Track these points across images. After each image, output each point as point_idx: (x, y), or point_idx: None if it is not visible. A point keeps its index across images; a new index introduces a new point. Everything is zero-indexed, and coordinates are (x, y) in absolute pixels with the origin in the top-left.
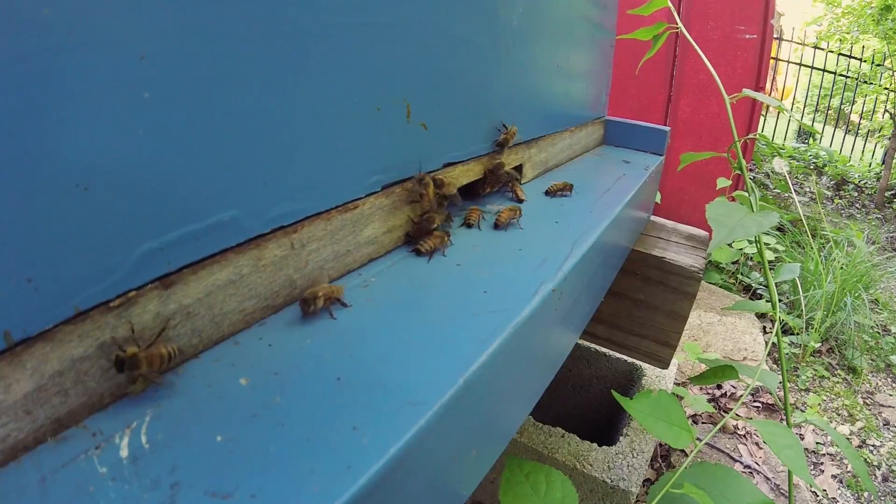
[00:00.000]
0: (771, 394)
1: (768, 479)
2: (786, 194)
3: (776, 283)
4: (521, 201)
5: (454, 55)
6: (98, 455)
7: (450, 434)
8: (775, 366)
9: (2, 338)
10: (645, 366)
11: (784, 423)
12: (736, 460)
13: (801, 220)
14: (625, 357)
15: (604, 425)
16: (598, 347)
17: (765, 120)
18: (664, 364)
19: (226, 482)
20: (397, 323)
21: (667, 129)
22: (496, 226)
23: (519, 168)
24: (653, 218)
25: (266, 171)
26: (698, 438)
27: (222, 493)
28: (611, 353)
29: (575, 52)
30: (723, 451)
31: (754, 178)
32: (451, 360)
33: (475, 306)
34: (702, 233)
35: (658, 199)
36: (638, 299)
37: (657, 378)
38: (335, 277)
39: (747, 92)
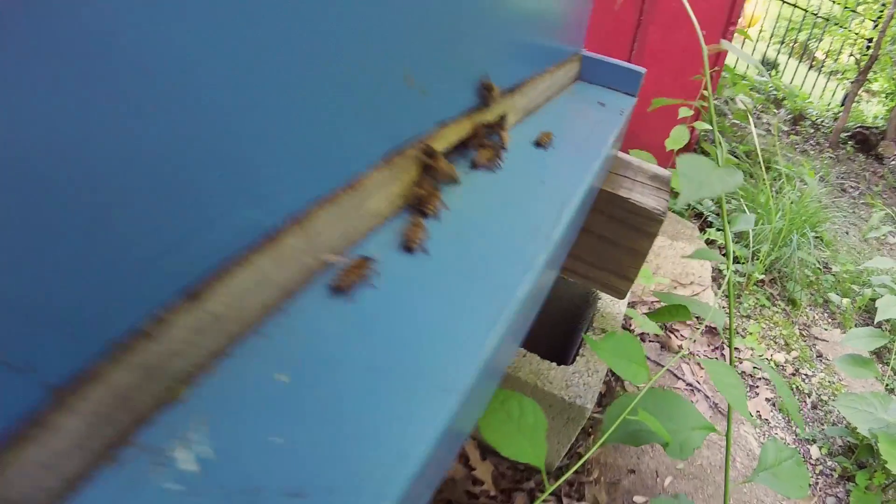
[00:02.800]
0: (719, 335)
1: (707, 397)
2: (743, 124)
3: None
4: (504, 149)
5: (436, 9)
6: (162, 471)
7: (472, 405)
8: (720, 291)
9: (47, 390)
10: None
11: (727, 359)
12: (679, 378)
13: (756, 152)
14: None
15: (559, 342)
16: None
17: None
18: (621, 295)
19: (298, 481)
20: (410, 303)
21: (642, 70)
22: (473, 165)
23: (503, 117)
24: (620, 155)
25: (277, 162)
26: (656, 362)
27: (299, 493)
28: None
29: None
30: (668, 370)
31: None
32: (469, 344)
33: (479, 283)
34: (665, 173)
35: None
36: (602, 235)
37: (611, 301)
38: (340, 253)
39: (725, 44)
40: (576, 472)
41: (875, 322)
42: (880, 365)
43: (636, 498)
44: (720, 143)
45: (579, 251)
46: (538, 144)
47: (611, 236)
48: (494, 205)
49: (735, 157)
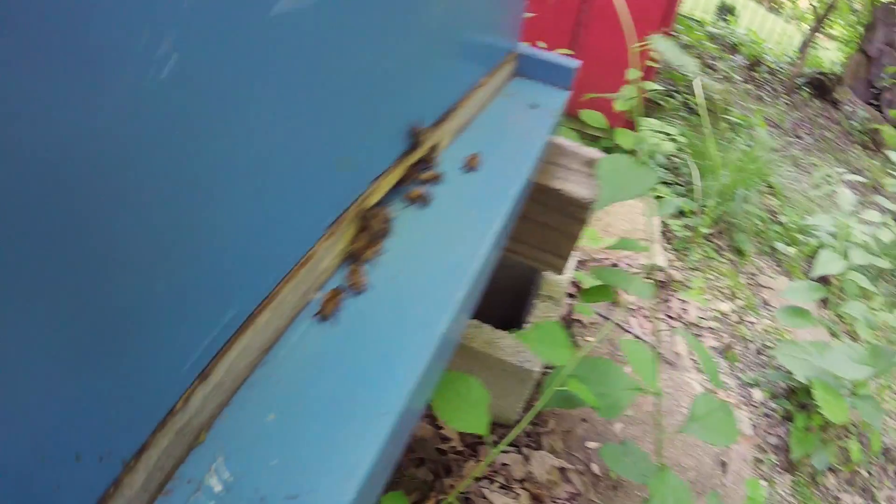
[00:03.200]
0: (666, 287)
1: (654, 347)
2: (699, 74)
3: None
4: (436, 179)
5: (358, 90)
6: (201, 494)
7: (412, 409)
8: (668, 245)
9: (121, 463)
10: None
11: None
12: (627, 331)
13: (712, 103)
14: None
15: (510, 312)
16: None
17: None
18: (559, 271)
19: (293, 488)
20: (355, 342)
21: (575, 65)
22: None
23: (433, 151)
24: (557, 140)
25: (257, 256)
26: (605, 317)
27: (295, 496)
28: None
29: None
30: (617, 324)
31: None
32: (401, 373)
33: (408, 321)
34: (600, 154)
35: None
36: (540, 222)
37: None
38: (301, 309)
39: (655, 41)
40: (533, 423)
41: (813, 276)
42: (826, 311)
43: (589, 444)
44: (643, 141)
45: (521, 235)
46: (468, 168)
47: (548, 222)
48: (423, 243)
49: (689, 109)
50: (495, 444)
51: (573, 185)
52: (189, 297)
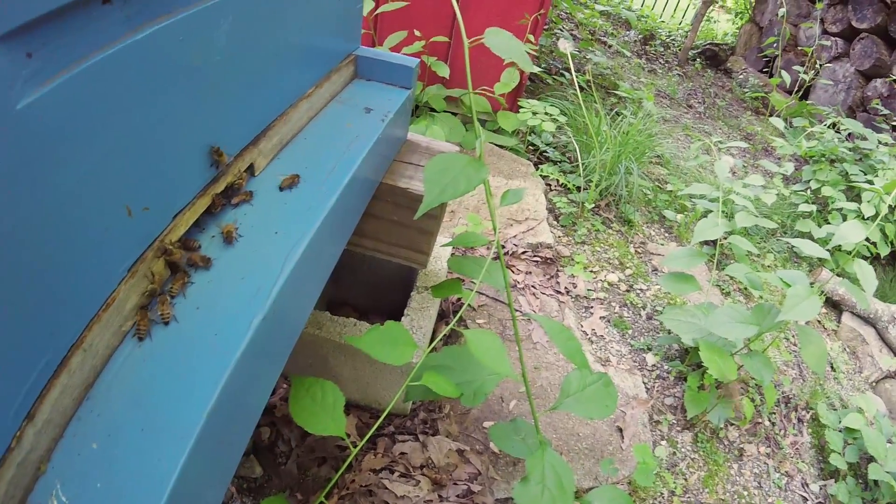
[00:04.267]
0: (553, 264)
1: (542, 325)
2: (588, 51)
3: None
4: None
5: (158, 117)
6: None
7: (217, 431)
8: (556, 222)
9: None
10: None
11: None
12: (517, 311)
13: (599, 78)
14: None
15: (398, 303)
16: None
17: None
18: (423, 265)
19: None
20: (164, 376)
21: (414, 64)
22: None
23: (250, 168)
24: (410, 136)
25: (58, 306)
26: (495, 299)
27: None
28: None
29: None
30: (504, 303)
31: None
32: (196, 400)
33: (209, 349)
34: (454, 148)
35: (447, 73)
36: (392, 220)
37: (434, 260)
38: (115, 347)
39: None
40: (427, 410)
41: (692, 243)
42: (717, 272)
43: (485, 424)
44: (479, 134)
45: (377, 234)
46: (284, 187)
47: (400, 220)
48: (230, 271)
49: (581, 87)
50: (392, 434)
51: (419, 183)
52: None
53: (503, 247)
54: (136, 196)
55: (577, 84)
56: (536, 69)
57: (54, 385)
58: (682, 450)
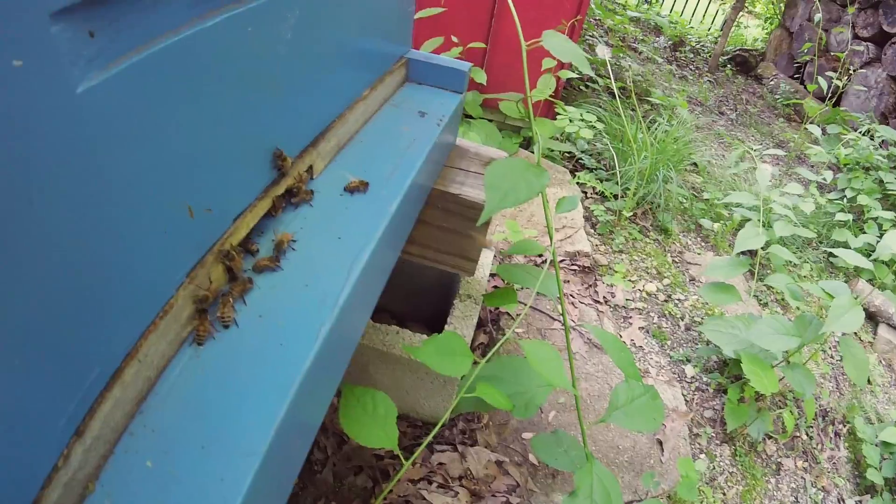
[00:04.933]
0: (592, 273)
1: (582, 334)
2: (620, 56)
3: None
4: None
5: (213, 108)
6: None
7: (284, 446)
8: (593, 230)
9: None
10: None
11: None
12: (555, 319)
13: (629, 87)
14: None
15: (438, 313)
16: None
17: None
18: (470, 273)
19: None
20: (224, 388)
21: (466, 68)
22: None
23: (310, 170)
24: (458, 142)
25: (111, 314)
26: (535, 308)
27: None
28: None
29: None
30: (543, 312)
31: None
32: (263, 416)
33: (276, 359)
34: (502, 154)
35: (484, 79)
36: (441, 226)
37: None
38: (171, 357)
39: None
40: (466, 420)
41: (734, 253)
42: (754, 282)
43: (525, 435)
44: (537, 139)
45: (426, 241)
46: (351, 190)
47: (449, 226)
48: (292, 277)
49: (612, 93)
50: (430, 445)
51: (470, 189)
52: (51, 363)
53: (541, 255)
54: (199, 196)
55: (615, 90)
56: (573, 74)
57: (106, 398)
58: (721, 464)
